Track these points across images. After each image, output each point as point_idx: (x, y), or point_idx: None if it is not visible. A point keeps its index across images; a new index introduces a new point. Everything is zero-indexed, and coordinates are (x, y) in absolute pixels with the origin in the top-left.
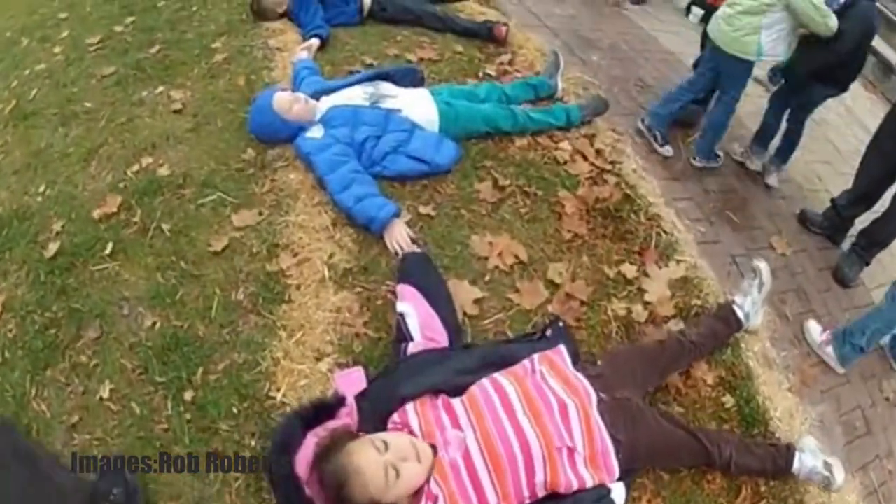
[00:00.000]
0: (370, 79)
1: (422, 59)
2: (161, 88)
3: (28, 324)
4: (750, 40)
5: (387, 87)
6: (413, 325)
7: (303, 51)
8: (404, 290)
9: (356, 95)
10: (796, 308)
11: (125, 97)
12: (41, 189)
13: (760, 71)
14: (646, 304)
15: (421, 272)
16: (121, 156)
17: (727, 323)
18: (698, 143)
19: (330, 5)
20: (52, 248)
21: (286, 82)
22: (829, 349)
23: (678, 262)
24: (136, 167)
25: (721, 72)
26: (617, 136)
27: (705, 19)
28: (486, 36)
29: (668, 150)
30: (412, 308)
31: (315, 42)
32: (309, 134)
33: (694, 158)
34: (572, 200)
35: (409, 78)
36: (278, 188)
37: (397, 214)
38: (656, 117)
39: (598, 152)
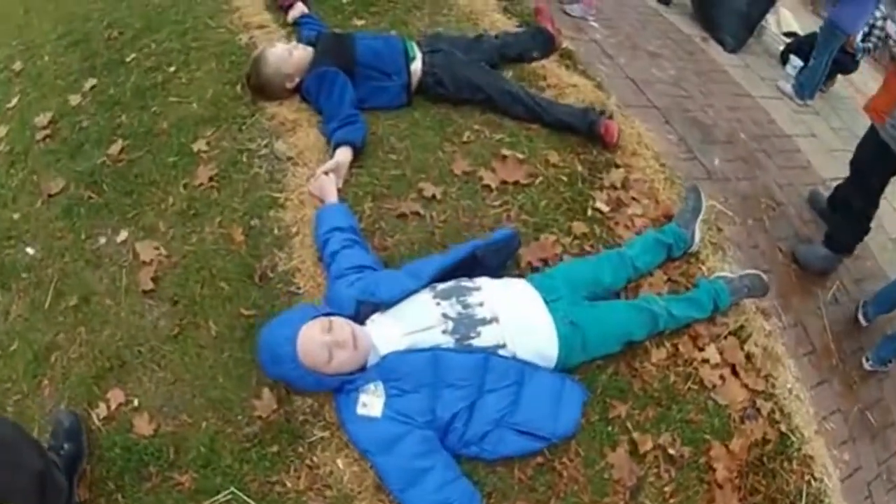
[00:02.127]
0: (450, 266)
1: (505, 184)
2: (124, 235)
3: None
4: None
5: (477, 295)
6: None
7: (327, 177)
8: None
9: (429, 314)
10: None
11: (76, 242)
12: None
13: None
14: None
15: None
16: (79, 377)
17: None
18: (882, 344)
19: (363, 78)
20: None
21: (306, 243)
22: None
23: None
24: (101, 408)
25: None
26: (767, 327)
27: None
28: (586, 132)
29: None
30: None
31: (345, 157)
32: (361, 404)
33: (866, 360)
34: (724, 459)
35: (504, 252)
36: (321, 481)
37: None
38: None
39: (749, 358)
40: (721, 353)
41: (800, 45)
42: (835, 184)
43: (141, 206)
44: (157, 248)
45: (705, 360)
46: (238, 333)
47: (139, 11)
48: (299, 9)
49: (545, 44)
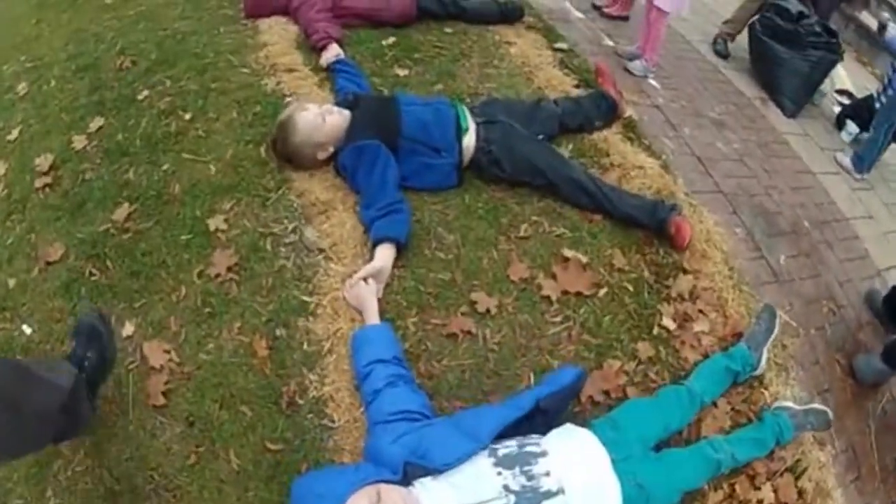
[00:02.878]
0: (512, 423)
1: (566, 294)
2: (130, 328)
3: None
4: None
5: (542, 463)
6: None
7: (366, 286)
8: None
9: (488, 485)
10: None
11: None
12: None
13: None
14: None
15: None
16: (85, 494)
17: None
18: None
19: (408, 153)
20: None
21: (341, 366)
22: None
23: None
24: None
25: None
26: (822, 459)
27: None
28: (655, 230)
29: None
30: None
31: (387, 260)
32: None
33: None
34: None
35: (569, 397)
36: None
37: None
38: None
39: (801, 495)
40: (775, 492)
41: (856, 110)
42: (891, 273)
43: (149, 293)
44: (167, 352)
45: (760, 502)
46: (263, 471)
47: (156, 38)
48: (334, 50)
49: (608, 112)
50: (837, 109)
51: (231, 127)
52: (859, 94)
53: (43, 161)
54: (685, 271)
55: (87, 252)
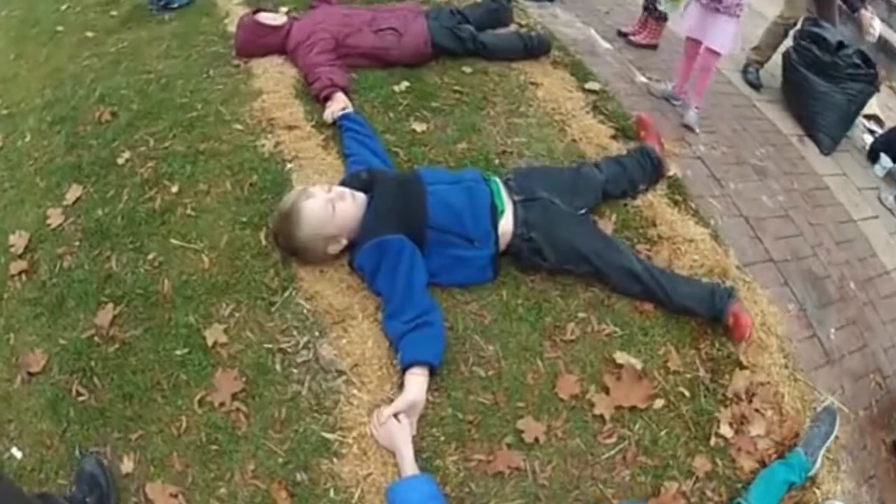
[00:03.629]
0: None
1: (619, 409)
2: (129, 465)
3: None
4: None
5: None
6: None
7: (398, 423)
8: None
9: None
10: None
11: (70, 459)
12: None
13: None
14: None
15: None
16: None
17: None
18: None
19: (436, 245)
20: None
21: None
22: None
23: None
24: None
25: None
26: None
27: None
28: (712, 319)
29: None
30: None
31: (420, 391)
32: None
33: None
34: None
35: None
36: None
37: None
38: None
39: None
40: None
41: (889, 142)
42: None
43: (146, 422)
44: (174, 497)
45: None
46: None
47: (138, 83)
48: (340, 102)
49: (653, 172)
50: (868, 138)
51: (224, 202)
52: (886, 118)
53: (18, 240)
54: (741, 366)
55: (72, 365)
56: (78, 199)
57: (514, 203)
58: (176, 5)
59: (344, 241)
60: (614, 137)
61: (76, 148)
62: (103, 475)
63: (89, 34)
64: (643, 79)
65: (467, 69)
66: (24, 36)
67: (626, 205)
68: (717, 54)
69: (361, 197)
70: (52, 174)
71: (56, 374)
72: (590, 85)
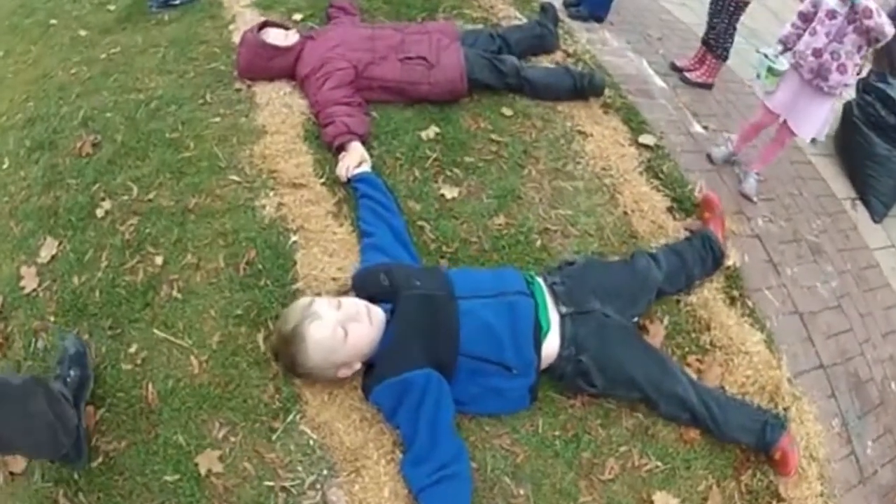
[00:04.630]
0: None
1: None
2: None
3: None
4: None
5: None
6: None
7: None
8: None
9: None
10: None
11: None
12: None
13: None
14: None
15: None
16: None
17: None
18: None
19: (468, 373)
20: None
21: None
22: None
23: None
24: None
25: None
26: None
27: None
28: (762, 450)
29: None
30: None
31: None
32: None
33: None
34: None
35: None
36: None
37: None
38: None
39: None
40: None
41: None
42: None
43: None
44: None
45: None
46: None
47: (126, 104)
48: (355, 156)
49: (713, 267)
50: None
51: (216, 284)
52: None
53: None
54: (780, 498)
55: (55, 473)
56: (53, 257)
57: (562, 317)
58: (178, 3)
59: (357, 366)
60: (670, 210)
61: (54, 187)
62: (84, 348)
63: (82, 32)
64: (699, 128)
65: (507, 111)
66: (17, 27)
67: (679, 301)
68: (793, 133)
69: (379, 315)
70: (28, 218)
71: (39, 481)
72: (644, 138)
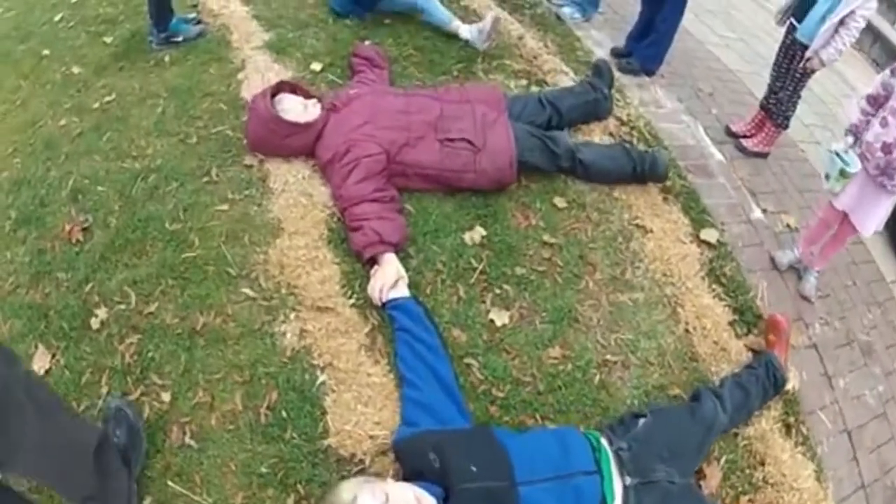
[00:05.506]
0: None
1: None
2: None
3: None
4: None
5: None
6: None
7: None
8: None
9: None
10: None
11: None
12: None
13: None
14: None
15: None
16: None
17: None
18: None
19: None
20: None
21: None
22: None
23: None
24: None
25: None
26: None
27: None
28: None
29: None
30: None
31: None
32: None
33: None
34: None
35: None
36: None
37: None
38: None
39: None
40: None
41: None
42: None
43: None
44: None
45: None
46: None
47: (120, 177)
48: (391, 272)
49: (774, 392)
50: None
51: (234, 431)
52: None
53: None
54: None
55: None
56: (48, 371)
57: (626, 488)
58: (180, 39)
59: None
60: (732, 325)
61: (42, 279)
62: (129, 409)
63: (75, 70)
64: (759, 213)
65: (559, 201)
66: (10, 55)
67: (737, 435)
68: (855, 229)
69: (429, 501)
70: (17, 315)
71: None
72: (706, 234)
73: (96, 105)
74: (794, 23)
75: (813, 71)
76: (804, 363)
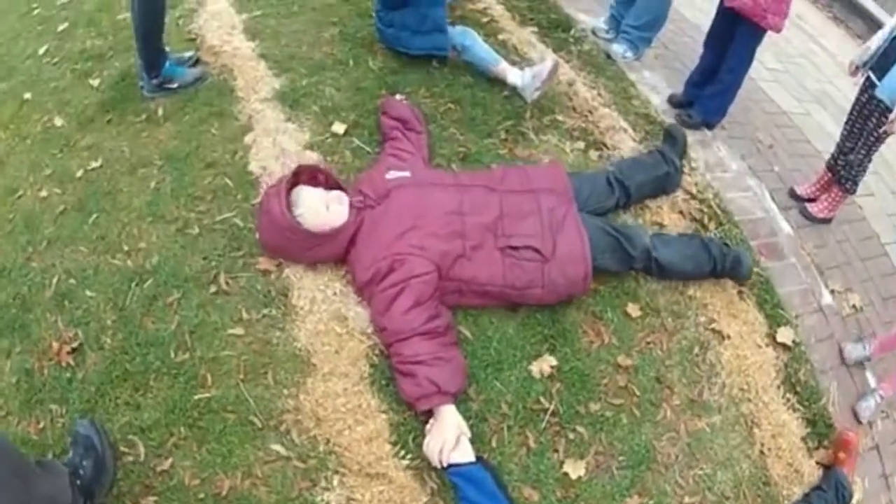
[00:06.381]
0: None
1: None
2: None
3: None
4: None
5: None
6: None
7: None
8: None
9: None
10: None
11: None
12: None
13: None
14: None
15: None
16: None
17: None
18: None
19: None
20: None
21: None
22: None
23: None
24: None
25: None
26: None
27: None
28: None
29: None
30: None
31: None
32: None
33: None
34: None
35: None
36: None
37: None
38: None
39: None
40: None
41: None
42: None
43: None
44: None
45: None
46: None
47: (108, 284)
48: (451, 429)
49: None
50: None
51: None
52: None
53: None
54: None
55: None
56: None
57: None
58: (175, 86)
59: None
60: (805, 440)
61: (34, 410)
62: (98, 436)
63: (58, 121)
64: (829, 298)
65: (633, 309)
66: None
67: None
68: None
69: None
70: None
71: None
72: (782, 335)
73: (80, 173)
74: (874, 78)
75: (889, 134)
76: (867, 469)
